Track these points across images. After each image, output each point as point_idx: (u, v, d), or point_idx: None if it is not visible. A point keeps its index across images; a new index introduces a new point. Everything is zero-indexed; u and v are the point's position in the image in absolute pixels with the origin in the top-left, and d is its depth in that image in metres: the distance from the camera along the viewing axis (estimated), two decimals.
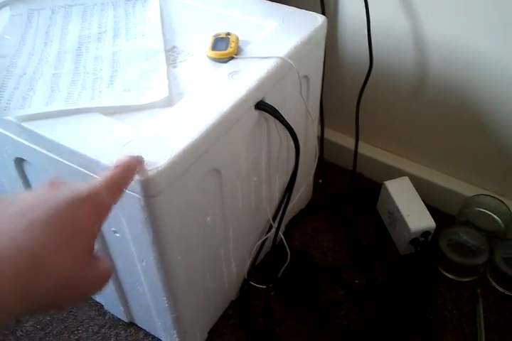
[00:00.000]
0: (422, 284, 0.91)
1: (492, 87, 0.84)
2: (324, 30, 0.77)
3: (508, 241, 0.94)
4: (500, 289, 0.91)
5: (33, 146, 0.62)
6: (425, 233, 0.93)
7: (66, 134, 0.59)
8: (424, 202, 0.96)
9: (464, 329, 0.86)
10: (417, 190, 0.98)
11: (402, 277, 0.93)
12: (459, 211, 0.99)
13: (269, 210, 0.86)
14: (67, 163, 0.60)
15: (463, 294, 0.91)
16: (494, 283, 0.92)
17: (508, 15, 0.76)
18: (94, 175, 0.58)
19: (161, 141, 0.58)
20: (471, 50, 0.83)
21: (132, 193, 0.56)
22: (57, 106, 0.62)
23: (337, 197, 1.07)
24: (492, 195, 0.96)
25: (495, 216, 0.96)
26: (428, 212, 0.94)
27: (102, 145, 0.58)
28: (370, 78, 0.92)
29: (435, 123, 0.96)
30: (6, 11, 0.79)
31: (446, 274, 0.94)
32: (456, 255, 0.91)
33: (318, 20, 0.76)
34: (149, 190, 0.55)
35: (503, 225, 0.95)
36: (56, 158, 0.61)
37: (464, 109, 0.90)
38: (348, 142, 1.05)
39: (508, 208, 0.94)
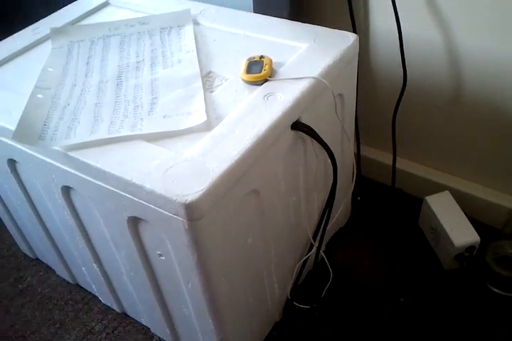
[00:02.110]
0: (470, 300, 0.89)
1: None
2: (356, 48, 0.78)
3: None
4: None
5: (80, 174, 0.65)
6: (470, 248, 0.91)
7: (111, 162, 0.61)
8: (467, 216, 0.94)
9: None
10: (459, 204, 0.96)
11: (449, 293, 0.91)
12: (504, 224, 0.96)
13: (309, 229, 0.86)
14: (112, 189, 0.62)
15: None
16: None
17: None
18: (139, 200, 0.60)
19: (202, 165, 0.59)
20: (506, 61, 0.81)
21: (176, 217, 0.58)
22: (101, 134, 0.64)
23: (377, 214, 1.05)
24: None
25: None
26: (472, 226, 0.92)
27: (146, 171, 0.59)
28: (405, 93, 0.92)
29: (473, 135, 0.95)
30: (48, 44, 0.83)
31: (494, 289, 0.91)
32: (504, 269, 0.88)
33: (349, 38, 0.76)
34: (193, 214, 0.56)
35: None
36: (102, 184, 0.63)
37: (502, 120, 0.89)
38: (386, 158, 1.04)
39: None
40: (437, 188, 1.00)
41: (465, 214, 0.95)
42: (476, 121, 0.92)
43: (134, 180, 0.59)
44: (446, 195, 0.98)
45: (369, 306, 0.91)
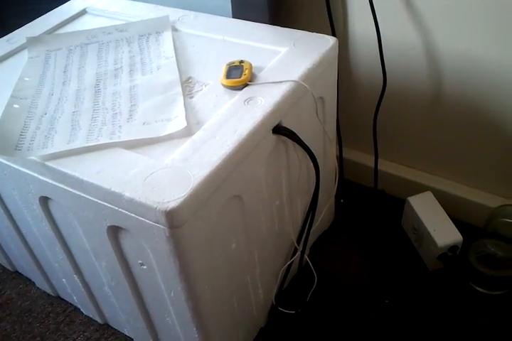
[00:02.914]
0: (454, 300, 0.89)
1: (509, 96, 0.84)
2: (336, 51, 0.78)
3: None
4: None
5: (58, 184, 0.64)
6: (453, 247, 0.91)
7: (89, 170, 0.60)
8: (449, 215, 0.95)
9: None
10: (441, 204, 0.97)
11: (434, 294, 0.91)
12: (485, 223, 0.97)
13: (292, 233, 0.86)
14: (91, 198, 0.61)
15: (496, 308, 0.89)
16: None
17: None
18: (119, 209, 0.59)
19: (182, 171, 0.59)
20: (485, 62, 0.82)
21: (157, 224, 0.57)
22: (79, 143, 0.63)
23: (360, 216, 1.06)
24: None
25: None
26: (454, 226, 0.93)
27: (125, 179, 0.59)
28: (385, 95, 0.93)
29: (453, 136, 0.95)
30: (24, 54, 0.82)
31: (477, 288, 0.92)
32: (487, 268, 0.89)
33: (329, 41, 0.77)
34: (173, 221, 0.56)
35: None
36: (81, 194, 0.62)
37: (481, 121, 0.90)
38: (368, 160, 1.04)
39: None
40: (420, 189, 1.01)
41: (447, 214, 0.95)
42: (456, 122, 0.93)
43: (112, 189, 0.58)
44: (428, 196, 0.99)
45: (354, 309, 0.91)
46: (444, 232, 0.92)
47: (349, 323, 0.89)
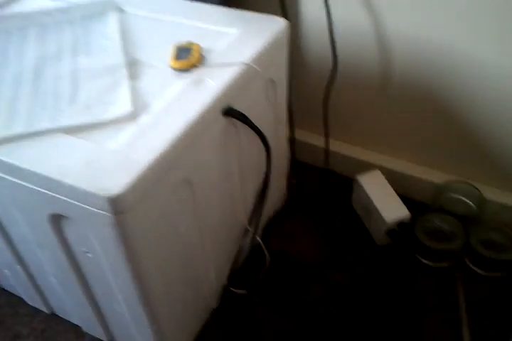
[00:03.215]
0: (402, 273, 0.92)
1: (453, 76, 0.85)
2: (287, 33, 0.77)
3: (482, 223, 0.96)
4: (479, 271, 0.93)
5: None
6: (401, 223, 0.94)
7: (28, 157, 0.57)
8: (397, 192, 0.97)
9: (447, 314, 0.88)
10: (389, 181, 0.99)
11: (382, 268, 0.94)
12: (432, 198, 1.00)
13: (244, 215, 0.86)
14: (31, 186, 0.58)
15: (443, 279, 0.93)
16: (472, 266, 0.94)
17: (469, 7, 0.76)
18: (60, 197, 0.57)
19: (127, 157, 0.57)
20: (433, 44, 0.83)
21: (101, 211, 0.55)
22: (18, 129, 0.60)
23: (312, 195, 1.07)
24: (462, 180, 0.98)
25: (467, 200, 0.98)
26: (402, 203, 0.95)
27: (66, 166, 0.56)
28: (336, 77, 0.93)
29: (401, 115, 0.97)
30: None
31: (424, 261, 0.95)
32: (433, 241, 0.92)
33: (280, 23, 0.75)
34: (118, 207, 0.54)
35: (476, 209, 0.97)
36: (20, 182, 0.59)
37: (427, 100, 0.91)
38: (319, 140, 1.05)
39: (480, 192, 0.96)
40: (369, 168, 1.03)
41: (395, 191, 0.98)
42: (404, 103, 0.95)
43: (53, 176, 0.55)
44: (376, 174, 1.01)
45: (305, 287, 0.93)
46: (391, 209, 0.94)
47: (300, 301, 0.91)
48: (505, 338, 0.84)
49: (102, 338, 0.87)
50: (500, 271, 0.93)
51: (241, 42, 0.72)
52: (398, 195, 0.97)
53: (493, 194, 0.97)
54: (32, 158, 0.57)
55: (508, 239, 0.93)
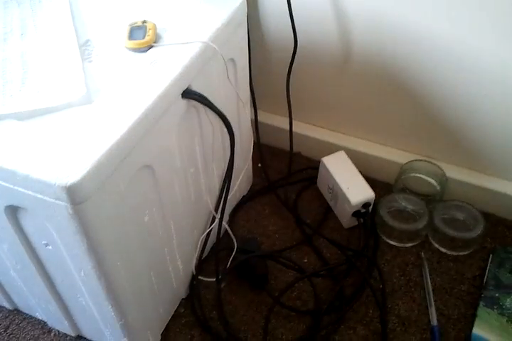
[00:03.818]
0: (368, 254, 0.93)
1: (414, 53, 0.85)
2: (244, 9, 0.75)
3: (444, 202, 0.97)
4: (443, 250, 0.95)
5: None
6: (366, 204, 0.94)
7: None
8: (361, 173, 0.97)
9: (413, 294, 0.89)
10: (354, 162, 0.99)
11: (349, 250, 0.94)
12: (395, 178, 1.01)
13: (210, 201, 0.84)
14: None
15: (408, 259, 0.94)
16: (436, 245, 0.95)
17: None
18: (14, 187, 0.54)
19: (83, 143, 0.54)
20: (393, 20, 0.83)
21: (58, 202, 0.52)
22: None
23: (278, 179, 1.06)
24: (425, 159, 0.99)
25: (430, 179, 0.99)
26: (367, 184, 0.95)
27: (18, 154, 0.53)
28: (297, 55, 0.91)
29: (363, 95, 0.97)
30: None
31: (390, 241, 0.96)
32: (397, 221, 0.93)
33: (237, 0, 0.73)
34: (75, 196, 0.52)
35: (438, 187, 0.98)
36: None
37: (389, 78, 0.91)
38: (283, 122, 1.04)
39: (442, 170, 0.97)
40: (334, 149, 1.02)
41: (360, 171, 0.98)
42: (365, 82, 0.94)
43: (5, 166, 0.52)
44: (341, 155, 1.00)
45: (274, 271, 0.92)
46: (356, 190, 0.94)
47: (269, 285, 0.91)
48: (470, 316, 0.86)
49: (68, 333, 0.84)
50: (464, 249, 0.94)
51: (198, 20, 0.70)
52: (363, 175, 0.97)
53: (455, 172, 0.98)
54: None
55: (472, 217, 0.95)
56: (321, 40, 0.92)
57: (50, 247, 0.62)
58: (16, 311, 0.89)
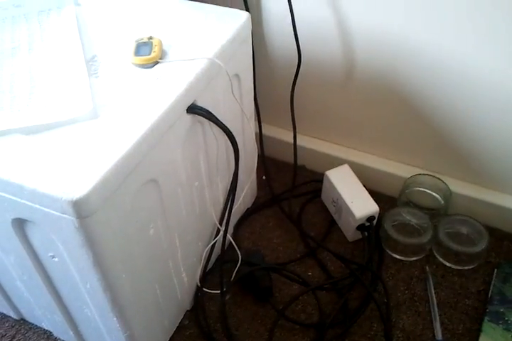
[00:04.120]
0: (372, 268, 0.93)
1: (417, 68, 0.86)
2: (249, 26, 0.76)
3: (449, 216, 0.98)
4: (448, 264, 0.94)
5: None
6: (370, 218, 0.94)
7: None
8: (365, 187, 0.98)
9: (417, 308, 0.89)
10: (358, 176, 0.99)
11: (353, 263, 0.94)
12: (399, 192, 1.01)
13: (214, 214, 0.85)
14: None
15: (413, 273, 0.94)
16: (441, 259, 0.95)
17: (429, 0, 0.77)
18: (22, 201, 0.55)
19: (89, 158, 0.55)
20: (395, 38, 0.84)
21: (64, 215, 0.53)
22: None
23: (282, 192, 1.07)
24: (429, 173, 0.99)
25: (434, 193, 0.99)
26: (370, 197, 0.96)
27: (25, 169, 0.54)
28: (301, 70, 0.92)
29: (367, 109, 0.98)
30: None
31: (394, 255, 0.96)
32: (402, 235, 0.93)
33: (242, 17, 0.74)
34: (81, 211, 0.53)
35: (442, 202, 0.98)
36: None
37: (392, 93, 0.92)
38: (287, 136, 1.05)
39: (446, 185, 0.97)
40: (338, 162, 1.03)
41: (364, 185, 0.98)
42: (369, 96, 0.95)
43: (12, 180, 0.53)
44: (345, 168, 1.01)
45: (278, 284, 0.92)
46: (361, 203, 0.95)
47: (273, 298, 0.91)
48: (475, 331, 0.86)
49: None
50: (469, 264, 0.94)
51: (203, 36, 0.71)
52: (367, 189, 0.97)
53: (459, 187, 0.98)
54: None
55: (476, 232, 0.94)
56: (324, 57, 0.93)
57: (56, 259, 0.63)
58: (22, 321, 0.90)
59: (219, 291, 0.88)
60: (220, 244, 0.84)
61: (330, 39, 0.90)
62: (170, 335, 0.86)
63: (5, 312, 0.89)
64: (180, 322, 0.88)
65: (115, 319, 0.68)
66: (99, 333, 0.75)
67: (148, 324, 0.76)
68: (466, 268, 0.94)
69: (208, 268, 0.90)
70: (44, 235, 0.59)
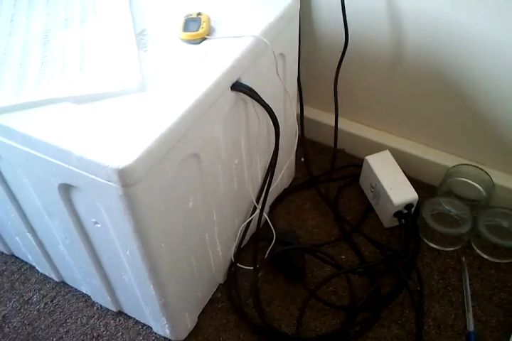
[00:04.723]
0: (407, 256, 0.92)
1: (466, 56, 0.84)
2: (297, 5, 0.76)
3: (490, 208, 0.95)
4: (485, 256, 0.93)
5: (5, 140, 0.61)
6: (408, 205, 0.93)
7: (37, 126, 0.58)
8: (405, 174, 0.97)
9: (451, 298, 0.88)
10: (398, 162, 0.98)
11: (388, 250, 0.94)
12: (441, 181, 0.99)
13: (252, 191, 0.86)
14: (40, 155, 0.58)
15: (449, 263, 0.92)
16: (478, 251, 0.93)
17: None
18: (69, 167, 0.57)
19: (136, 129, 0.57)
20: (445, 20, 0.82)
21: (109, 183, 0.55)
22: (26, 97, 0.60)
23: (320, 174, 1.06)
24: (473, 164, 0.97)
25: (476, 184, 0.97)
26: (410, 185, 0.94)
27: (75, 136, 0.56)
28: (347, 53, 0.91)
29: (413, 95, 0.96)
30: None
31: (431, 244, 0.95)
32: (440, 225, 0.92)
33: None
34: (126, 179, 0.54)
35: (484, 193, 0.96)
36: (29, 151, 0.59)
37: (440, 80, 0.90)
38: (328, 119, 1.04)
39: (489, 176, 0.95)
40: (379, 148, 1.02)
41: (404, 172, 0.97)
42: (416, 82, 0.93)
43: (62, 146, 0.55)
44: (385, 154, 1.00)
45: (311, 265, 0.93)
46: (400, 190, 0.94)
47: (305, 278, 0.91)
48: (509, 325, 0.84)
49: (110, 308, 0.88)
50: (507, 258, 0.92)
51: (251, 14, 0.71)
52: (407, 176, 0.96)
53: (502, 179, 0.96)
54: (41, 126, 0.57)
55: None
56: (372, 39, 0.91)
57: (98, 225, 0.66)
58: (63, 284, 0.93)
59: (252, 267, 0.89)
60: (256, 222, 0.85)
61: (379, 20, 0.88)
62: (203, 306, 0.88)
63: (47, 274, 0.93)
64: (212, 295, 0.90)
65: (151, 286, 0.70)
66: (135, 299, 0.78)
67: (182, 293, 0.78)
68: (504, 261, 0.92)
69: (242, 245, 0.92)
70: (88, 201, 0.62)
